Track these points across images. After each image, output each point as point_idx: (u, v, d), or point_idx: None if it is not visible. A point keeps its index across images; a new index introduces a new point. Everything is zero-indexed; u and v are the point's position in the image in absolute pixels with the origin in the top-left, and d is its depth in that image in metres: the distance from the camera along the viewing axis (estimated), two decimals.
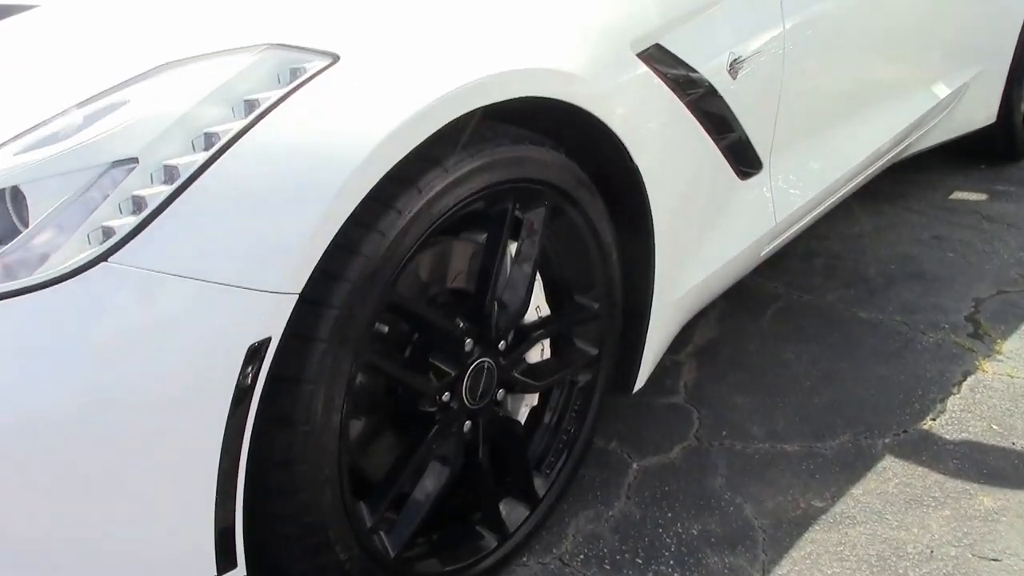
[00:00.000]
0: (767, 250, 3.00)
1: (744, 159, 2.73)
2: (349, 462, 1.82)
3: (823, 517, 2.38)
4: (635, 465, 2.59)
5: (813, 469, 2.57)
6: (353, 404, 1.86)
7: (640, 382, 2.50)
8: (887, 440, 2.69)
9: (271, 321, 1.56)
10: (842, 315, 3.37)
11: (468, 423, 2.03)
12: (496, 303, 2.00)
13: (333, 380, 1.68)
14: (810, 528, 2.34)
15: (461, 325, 1.95)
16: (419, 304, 1.87)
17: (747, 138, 2.68)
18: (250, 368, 1.55)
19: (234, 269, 1.51)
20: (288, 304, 1.58)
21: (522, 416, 2.22)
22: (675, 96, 2.33)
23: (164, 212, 1.50)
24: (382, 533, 1.90)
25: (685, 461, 2.61)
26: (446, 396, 1.95)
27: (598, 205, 2.15)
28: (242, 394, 1.55)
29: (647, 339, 2.42)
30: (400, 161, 1.67)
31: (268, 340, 1.57)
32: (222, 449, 1.55)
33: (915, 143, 4.10)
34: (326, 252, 1.60)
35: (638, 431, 2.72)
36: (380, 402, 1.96)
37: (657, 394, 2.89)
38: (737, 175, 2.72)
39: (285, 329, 1.59)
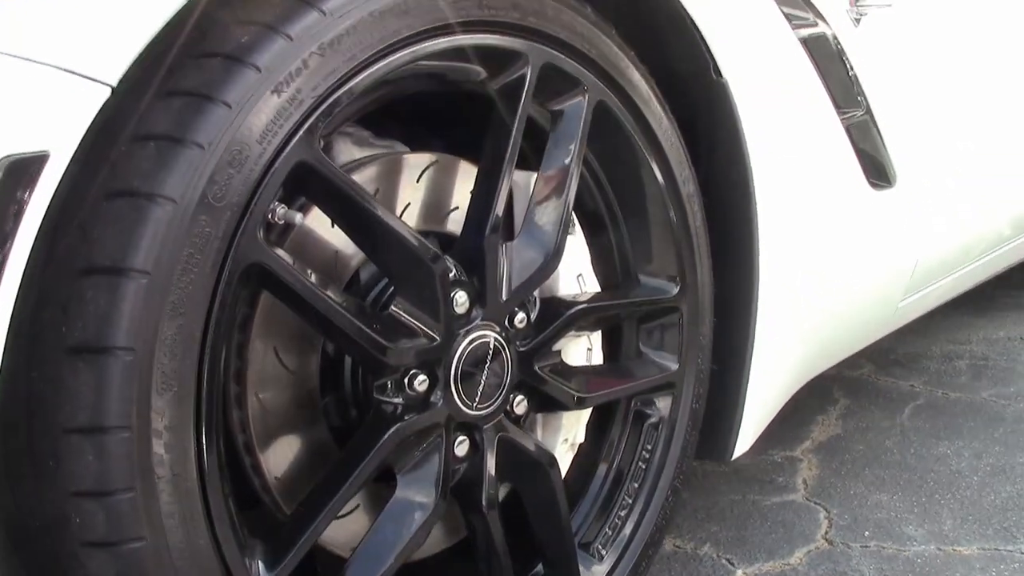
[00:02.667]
0: (906, 301, 2.20)
1: (873, 161, 1.99)
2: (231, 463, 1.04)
3: None
4: (740, 572, 1.72)
5: None
6: (241, 346, 1.10)
7: (743, 443, 1.69)
8: None
9: (48, 124, 0.84)
10: (1004, 411, 2.51)
11: (462, 439, 1.23)
12: (504, 245, 1.24)
13: (184, 274, 0.92)
14: None
15: (450, 267, 1.19)
16: (364, 191, 1.10)
17: (875, 123, 1.95)
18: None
19: None
20: (88, 101, 0.86)
21: (561, 454, 1.41)
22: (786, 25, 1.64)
23: None
24: None
25: (813, 567, 1.74)
26: (421, 381, 1.17)
27: (670, 128, 1.42)
28: None
29: (750, 370, 1.61)
30: None
31: (40, 161, 0.84)
32: None
33: None
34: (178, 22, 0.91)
35: (742, 533, 1.87)
36: (304, 369, 1.19)
37: (765, 492, 2.05)
38: (867, 182, 1.97)
39: (84, 148, 0.86)
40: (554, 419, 1.39)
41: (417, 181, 1.27)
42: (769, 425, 2.35)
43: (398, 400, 1.17)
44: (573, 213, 1.39)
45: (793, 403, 2.49)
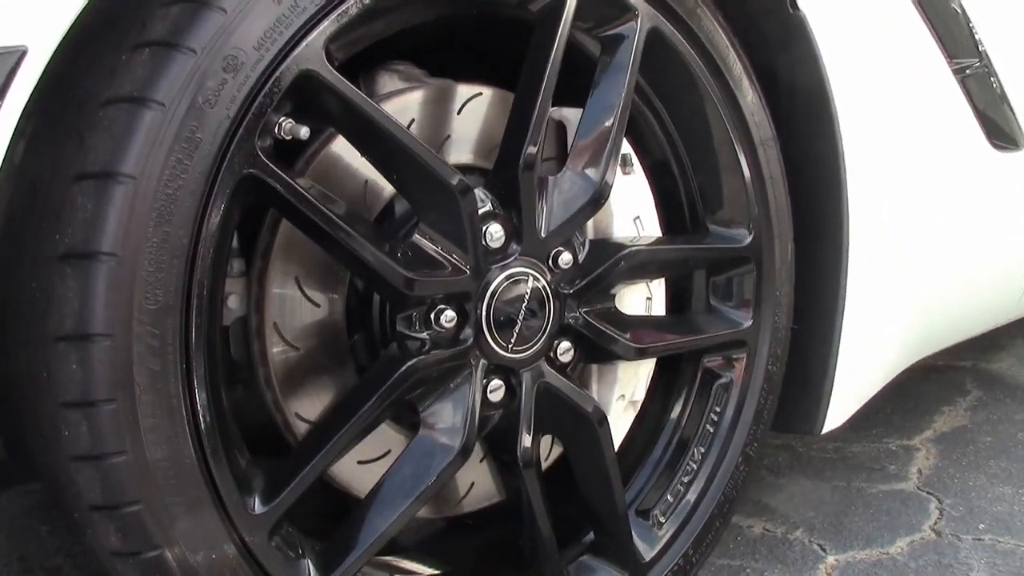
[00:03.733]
0: None
1: (995, 120, 1.81)
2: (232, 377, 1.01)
3: None
4: (831, 559, 1.59)
5: None
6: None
7: (834, 417, 1.55)
8: None
9: (26, 19, 0.83)
10: None
11: (497, 384, 1.16)
12: (545, 179, 1.17)
13: (171, 181, 0.89)
14: None
15: (482, 198, 1.13)
16: (377, 107, 1.04)
17: (996, 77, 1.78)
18: None
19: None
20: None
21: (618, 411, 1.32)
22: None
23: None
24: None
25: (914, 558, 1.58)
26: (449, 317, 1.11)
27: (738, 64, 1.31)
28: None
29: (840, 335, 1.48)
30: None
31: (18, 56, 0.82)
32: None
33: None
34: None
35: (840, 520, 1.73)
36: (329, 303, 1.15)
37: (873, 480, 1.89)
38: (988, 142, 1.80)
39: (78, 51, 0.85)
40: (609, 372, 1.31)
41: (458, 113, 1.21)
42: (886, 413, 2.20)
43: (423, 335, 1.11)
44: (634, 153, 1.31)
45: (917, 392, 2.33)
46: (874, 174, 1.47)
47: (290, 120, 1.00)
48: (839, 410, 1.56)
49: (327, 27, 0.97)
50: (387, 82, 1.26)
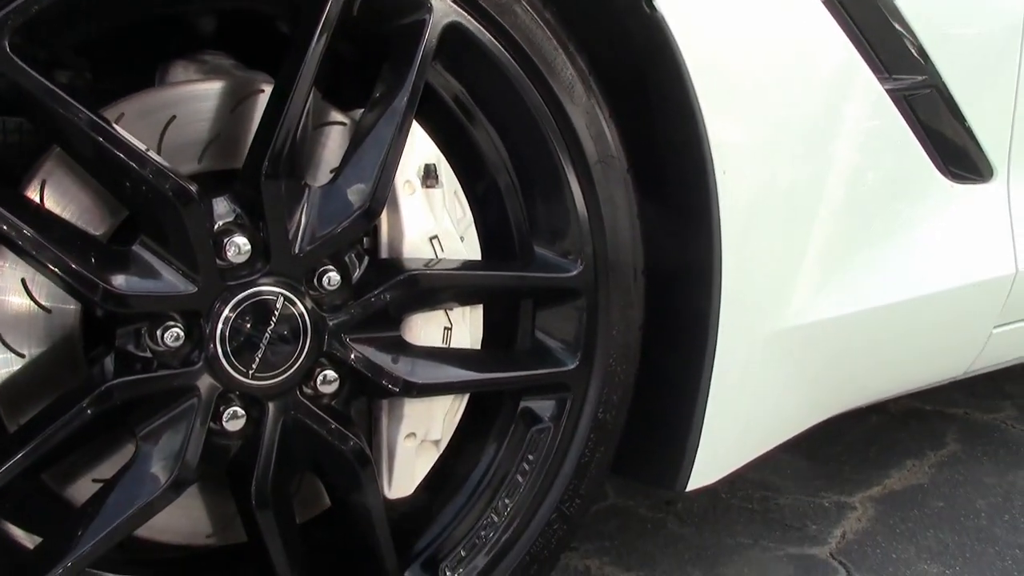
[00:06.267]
0: (1005, 328, 1.78)
1: (953, 147, 1.62)
2: None
3: None
4: None
5: None
6: None
7: (703, 474, 1.40)
8: None
9: None
10: None
11: (238, 412, 1.05)
12: (306, 188, 1.06)
13: None
14: None
15: (222, 209, 1.02)
16: (72, 104, 0.91)
17: (948, 95, 1.58)
18: None
19: None
20: None
21: (402, 450, 1.19)
22: None
23: None
24: None
25: None
26: (173, 335, 1.00)
27: (569, 67, 1.17)
28: None
29: (710, 382, 1.33)
30: None
31: None
32: None
33: None
34: None
35: None
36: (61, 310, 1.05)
37: (785, 540, 1.72)
38: (944, 172, 1.61)
39: None
40: (397, 408, 1.18)
41: (232, 112, 1.10)
42: (839, 462, 2.01)
43: (145, 353, 1.01)
44: (447, 164, 1.18)
45: (885, 440, 2.12)
46: (760, 201, 1.31)
47: None
48: (710, 466, 1.40)
49: (9, 15, 0.88)
50: (179, 73, 1.16)
